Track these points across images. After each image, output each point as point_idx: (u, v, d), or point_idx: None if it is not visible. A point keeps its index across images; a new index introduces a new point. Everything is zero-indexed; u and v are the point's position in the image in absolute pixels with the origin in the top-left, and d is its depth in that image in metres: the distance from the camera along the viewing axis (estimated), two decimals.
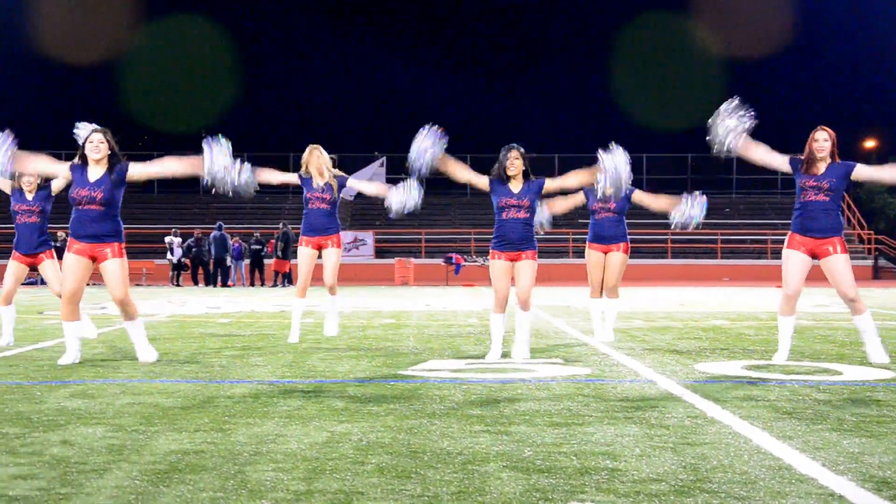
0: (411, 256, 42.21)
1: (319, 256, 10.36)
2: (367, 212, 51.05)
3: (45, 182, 9.93)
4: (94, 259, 8.30)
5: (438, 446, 4.75)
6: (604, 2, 78.57)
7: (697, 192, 10.11)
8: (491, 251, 8.85)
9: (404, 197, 9.79)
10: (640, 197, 10.45)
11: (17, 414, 5.72)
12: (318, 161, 10.24)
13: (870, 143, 61.96)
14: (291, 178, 10.35)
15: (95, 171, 8.24)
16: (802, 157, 8.35)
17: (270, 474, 4.15)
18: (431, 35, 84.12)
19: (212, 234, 34.67)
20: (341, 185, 10.40)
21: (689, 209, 9.91)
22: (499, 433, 5.09)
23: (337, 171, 10.46)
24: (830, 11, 69.34)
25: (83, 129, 8.80)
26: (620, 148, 8.43)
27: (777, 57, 70.40)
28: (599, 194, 8.62)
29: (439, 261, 39.89)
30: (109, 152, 8.25)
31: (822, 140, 8.26)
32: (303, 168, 10.33)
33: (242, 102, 75.72)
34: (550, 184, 8.78)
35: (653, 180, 53.87)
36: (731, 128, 8.15)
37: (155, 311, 16.94)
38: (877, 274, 44.97)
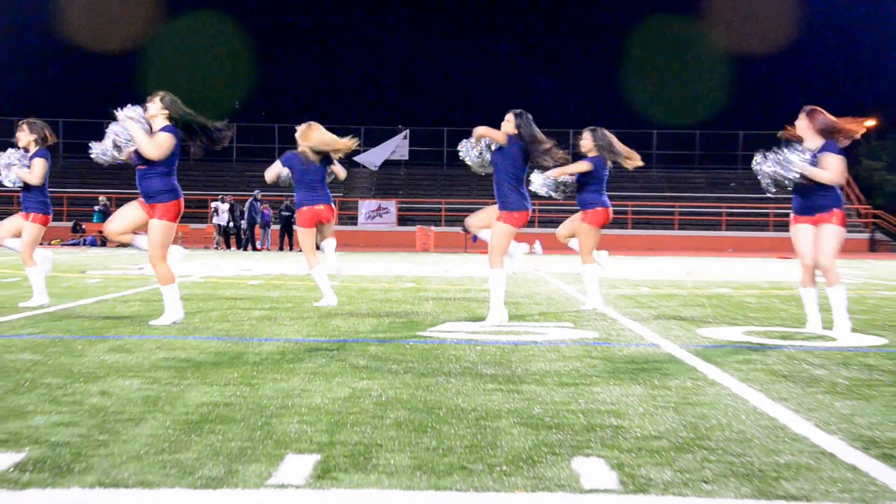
0: (432, 225, 42.22)
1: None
2: (390, 181, 51.04)
3: None
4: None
5: (453, 403, 4.77)
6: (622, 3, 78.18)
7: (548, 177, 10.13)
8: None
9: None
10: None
11: (59, 366, 5.78)
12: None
13: (869, 123, 61.36)
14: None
15: None
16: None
17: (295, 426, 4.18)
18: (456, 13, 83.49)
19: (249, 201, 34.74)
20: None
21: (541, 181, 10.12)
22: (510, 391, 5.11)
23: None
24: (832, 9, 68.69)
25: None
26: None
27: (778, 52, 69.86)
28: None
29: (458, 229, 39.87)
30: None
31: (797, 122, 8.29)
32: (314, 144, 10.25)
33: (268, 77, 75.63)
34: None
35: (663, 155, 53.69)
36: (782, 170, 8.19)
37: (189, 272, 17.02)
38: (873, 247, 44.76)
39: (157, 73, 65.37)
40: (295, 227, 10.64)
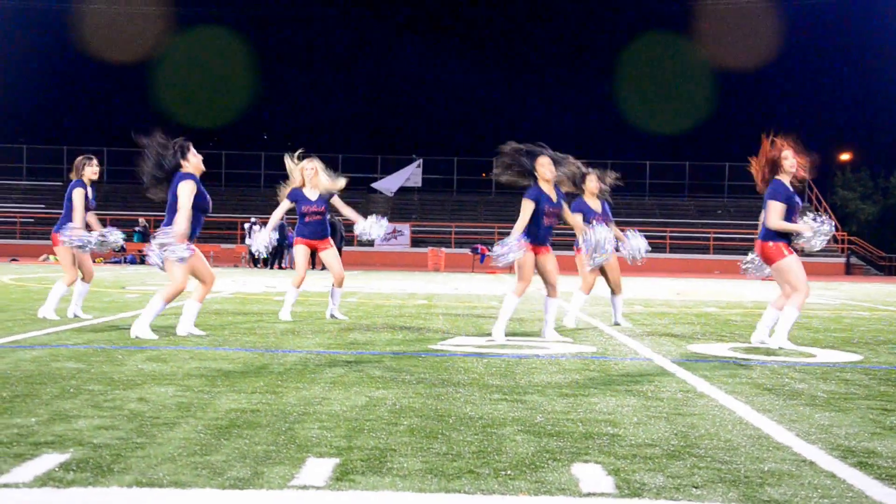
0: (442, 246, 42.19)
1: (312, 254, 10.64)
2: (404, 206, 51.09)
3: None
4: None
5: (462, 411, 4.75)
6: (613, 22, 77.99)
7: (631, 232, 9.98)
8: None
9: (369, 226, 10.34)
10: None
11: (101, 374, 5.78)
12: (314, 178, 10.16)
13: (844, 156, 61.28)
14: (285, 207, 10.19)
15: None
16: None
17: (316, 432, 4.16)
18: (470, 42, 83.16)
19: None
20: (329, 196, 10.26)
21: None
22: (515, 401, 5.09)
23: (328, 183, 10.20)
24: (810, 31, 68.59)
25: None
26: (602, 226, 8.84)
27: (763, 71, 69.72)
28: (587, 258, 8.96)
29: (467, 251, 39.86)
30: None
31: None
32: (298, 181, 10.16)
33: (283, 104, 75.59)
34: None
35: (655, 184, 53.66)
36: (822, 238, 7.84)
37: (220, 288, 17.03)
38: (848, 270, 44.61)
39: (182, 108, 65.23)
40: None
